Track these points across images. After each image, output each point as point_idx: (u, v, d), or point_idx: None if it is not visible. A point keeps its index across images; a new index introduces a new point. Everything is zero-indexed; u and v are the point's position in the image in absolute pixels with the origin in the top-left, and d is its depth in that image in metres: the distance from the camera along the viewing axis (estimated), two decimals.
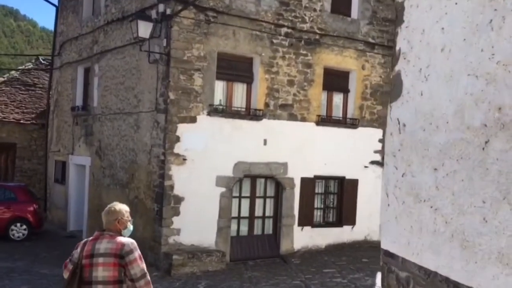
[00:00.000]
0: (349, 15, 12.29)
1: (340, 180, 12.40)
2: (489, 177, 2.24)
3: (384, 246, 3.20)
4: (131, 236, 4.06)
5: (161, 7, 10.32)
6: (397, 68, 3.14)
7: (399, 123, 3.09)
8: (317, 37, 11.74)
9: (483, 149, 2.27)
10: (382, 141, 12.83)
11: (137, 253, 3.81)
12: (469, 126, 2.37)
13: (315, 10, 11.70)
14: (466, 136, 2.39)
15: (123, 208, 4.03)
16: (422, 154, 2.78)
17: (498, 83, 2.19)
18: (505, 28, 2.16)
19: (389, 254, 3.13)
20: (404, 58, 3.04)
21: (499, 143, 2.19)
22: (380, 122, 12.66)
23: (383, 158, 12.83)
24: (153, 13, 10.49)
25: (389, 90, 12.91)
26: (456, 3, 2.54)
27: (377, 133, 12.61)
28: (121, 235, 3.92)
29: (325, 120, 12.01)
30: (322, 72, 11.88)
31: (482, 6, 2.32)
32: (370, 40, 12.44)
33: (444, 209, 2.57)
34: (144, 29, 10.16)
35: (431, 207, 2.68)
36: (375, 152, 12.62)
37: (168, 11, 10.23)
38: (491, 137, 2.24)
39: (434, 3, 2.73)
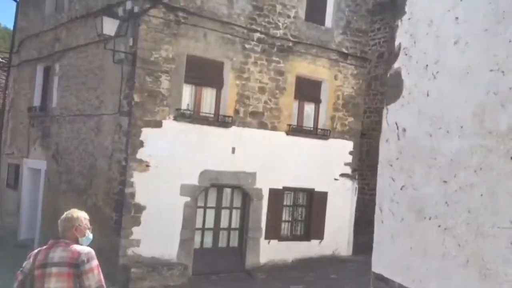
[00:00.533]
0: (323, 24, 12.07)
1: (309, 193, 12.06)
2: None
3: (375, 269, 2.79)
4: (90, 245, 3.71)
5: (128, 5, 9.78)
6: (395, 65, 2.77)
7: (397, 128, 2.70)
8: (290, 44, 11.43)
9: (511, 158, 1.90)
10: (352, 153, 12.60)
11: (95, 263, 3.53)
12: (492, 131, 2.00)
13: (289, 16, 11.41)
14: (487, 143, 2.02)
15: (82, 215, 3.79)
16: (428, 163, 2.40)
17: None
18: None
19: (382, 279, 2.72)
20: (406, 54, 2.67)
21: None
22: (351, 134, 12.44)
23: (353, 171, 12.60)
24: (120, 11, 9.93)
25: (360, 102, 12.65)
26: None
27: (348, 145, 12.37)
28: (78, 243, 3.64)
29: (296, 130, 11.67)
30: (294, 81, 11.57)
31: None
32: (344, 50, 12.24)
33: (456, 229, 2.18)
34: (110, 26, 9.57)
35: (439, 226, 2.30)
36: (346, 164, 12.37)
37: (136, 9, 9.69)
38: None
39: None
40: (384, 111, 2.79)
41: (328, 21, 12.12)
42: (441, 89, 2.29)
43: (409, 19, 2.66)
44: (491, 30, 1.96)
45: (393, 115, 2.70)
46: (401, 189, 2.56)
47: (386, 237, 2.62)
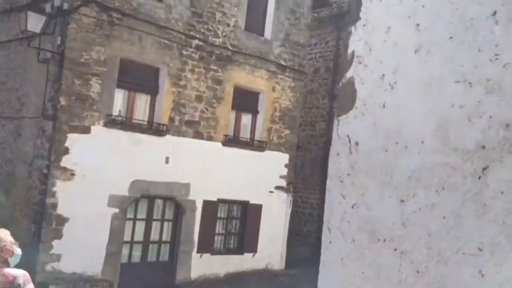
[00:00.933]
0: (263, 35, 11.99)
1: (244, 205, 11.83)
2: (489, 216, 1.70)
3: None
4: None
5: (57, 1, 9.11)
6: (348, 74, 2.57)
7: (349, 141, 2.50)
8: (229, 53, 11.22)
9: (480, 178, 1.75)
10: (288, 166, 12.54)
11: (31, 286, 3.38)
12: (457, 148, 1.84)
13: (228, 25, 11.20)
14: (451, 161, 1.87)
15: (1, 233, 3.54)
16: (383, 180, 2.21)
17: (506, 92, 1.68)
18: None
19: None
20: (360, 63, 2.48)
21: (507, 171, 1.66)
22: (287, 146, 12.39)
23: (288, 184, 12.53)
24: (48, 7, 9.25)
25: (297, 115, 12.60)
26: None
27: (284, 157, 12.30)
28: (9, 265, 3.42)
29: (232, 141, 11.44)
30: (232, 90, 11.36)
31: None
32: (282, 62, 12.21)
33: (414, 254, 2.01)
34: (35, 22, 8.87)
35: (395, 249, 2.12)
36: (281, 177, 12.28)
37: (65, 6, 9.06)
38: (492, 162, 1.71)
39: None
40: (335, 122, 2.58)
41: (268, 33, 12.05)
42: (400, 100, 2.11)
43: (364, 25, 2.47)
44: (457, 38, 1.80)
45: (345, 127, 2.49)
46: (352, 207, 2.35)
47: (335, 259, 2.38)
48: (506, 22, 1.70)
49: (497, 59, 1.71)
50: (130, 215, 10.14)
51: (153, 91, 10.31)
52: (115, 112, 9.73)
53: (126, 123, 9.89)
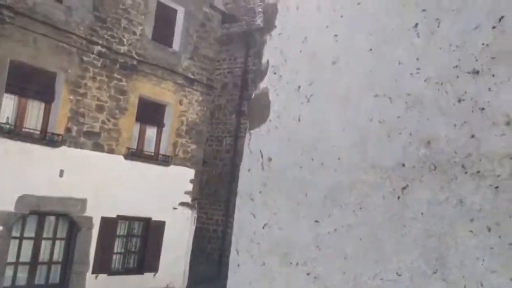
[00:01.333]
0: (171, 46, 11.68)
1: (146, 222, 11.30)
2: (408, 239, 1.60)
3: None
4: None
5: None
6: (262, 85, 2.41)
7: (262, 157, 2.33)
8: (135, 62, 10.75)
9: (399, 198, 1.65)
10: (193, 181, 12.24)
11: None
12: (375, 165, 1.75)
13: (134, 33, 10.75)
14: (369, 179, 1.76)
15: None
16: (297, 199, 2.06)
17: (427, 107, 1.60)
18: (440, 34, 1.61)
19: None
20: (275, 73, 2.34)
21: (427, 191, 1.58)
22: (193, 161, 12.10)
23: (193, 200, 12.19)
24: None
25: (204, 129, 12.32)
26: (358, 3, 1.96)
27: (190, 173, 11.99)
28: None
29: (135, 155, 10.91)
30: (136, 102, 10.87)
31: (402, 5, 1.75)
32: (190, 75, 11.97)
33: (329, 279, 1.87)
34: None
35: (308, 274, 1.96)
36: (186, 193, 11.93)
37: None
38: (412, 181, 1.62)
39: (323, 4, 2.10)
40: (247, 136, 2.39)
41: (176, 44, 11.77)
42: (315, 114, 1.98)
43: (279, 34, 2.33)
44: (377, 50, 1.72)
45: (257, 141, 2.31)
46: (263, 227, 2.15)
47: (243, 284, 2.17)
48: (428, 34, 1.64)
49: (418, 73, 1.64)
50: (16, 233, 9.19)
51: (48, 98, 9.52)
52: (2, 119, 8.80)
53: (15, 132, 9.00)
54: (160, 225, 11.42)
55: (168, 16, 11.49)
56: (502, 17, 1.45)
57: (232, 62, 16.05)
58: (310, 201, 2.03)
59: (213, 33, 12.54)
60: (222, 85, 15.89)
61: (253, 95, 2.61)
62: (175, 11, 11.65)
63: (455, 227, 1.46)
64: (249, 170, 2.53)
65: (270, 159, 2.32)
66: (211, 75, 12.66)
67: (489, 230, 1.38)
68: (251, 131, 2.48)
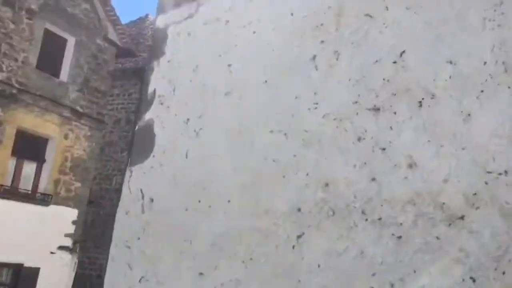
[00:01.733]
0: (58, 76, 10.91)
1: (17, 269, 10.04)
2: None
3: None
4: None
5: None
6: (147, 116, 2.15)
7: (143, 197, 2.04)
8: (15, 91, 9.82)
9: (294, 247, 1.46)
10: (76, 223, 11.28)
11: None
12: (269, 210, 1.55)
13: (16, 60, 9.88)
14: (262, 226, 1.56)
15: None
16: (181, 248, 1.79)
17: (325, 146, 1.45)
18: (339, 67, 1.49)
19: None
20: (162, 103, 2.10)
21: (324, 240, 1.40)
22: (77, 201, 11.18)
23: (74, 243, 11.16)
24: None
25: (91, 167, 11.51)
26: (254, 32, 1.80)
27: (72, 213, 11.04)
28: None
29: (9, 192, 9.84)
30: (14, 134, 9.87)
31: (300, 37, 1.62)
32: (78, 108, 11.22)
33: None
34: None
35: None
36: (67, 235, 10.92)
37: None
38: (309, 228, 1.44)
39: (218, 30, 1.93)
40: (127, 173, 2.12)
41: (64, 75, 11.02)
42: (205, 150, 1.77)
43: (168, 61, 2.14)
44: (273, 82, 1.56)
45: (138, 179, 2.04)
46: (140, 281, 1.88)
47: None
48: (326, 67, 1.51)
49: (316, 108, 1.50)
50: None
51: None
52: None
53: None
54: (34, 272, 10.22)
55: (56, 45, 10.75)
56: (403, 51, 1.37)
57: (126, 98, 15.46)
58: (195, 250, 1.76)
59: (106, 66, 11.97)
60: (114, 121, 15.15)
61: (136, 127, 2.33)
62: (64, 40, 10.95)
63: (355, 282, 1.29)
64: (127, 213, 2.21)
65: (152, 200, 2.03)
66: (102, 109, 11.99)
67: (392, 286, 1.23)
68: (132, 168, 2.18)
